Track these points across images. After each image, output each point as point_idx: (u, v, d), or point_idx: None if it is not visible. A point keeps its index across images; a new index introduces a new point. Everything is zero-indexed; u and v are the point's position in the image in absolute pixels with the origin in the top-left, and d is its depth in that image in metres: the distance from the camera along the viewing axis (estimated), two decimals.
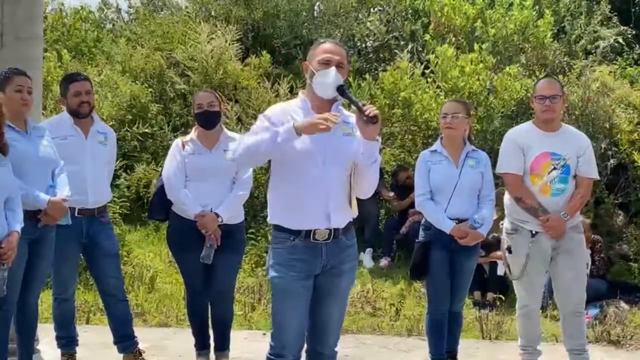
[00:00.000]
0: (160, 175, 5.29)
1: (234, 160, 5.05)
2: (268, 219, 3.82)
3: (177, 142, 5.18)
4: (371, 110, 3.51)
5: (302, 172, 3.64)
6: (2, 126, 4.30)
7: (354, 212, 3.77)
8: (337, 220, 3.70)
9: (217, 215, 4.95)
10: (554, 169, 4.99)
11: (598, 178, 5.31)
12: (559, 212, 4.96)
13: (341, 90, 3.63)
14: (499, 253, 7.84)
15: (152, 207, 5.37)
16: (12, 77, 4.65)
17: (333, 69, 3.61)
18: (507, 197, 5.22)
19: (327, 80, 3.61)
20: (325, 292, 3.76)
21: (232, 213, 5.07)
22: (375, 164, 3.69)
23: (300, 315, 3.70)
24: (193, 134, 5.18)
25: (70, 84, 5.13)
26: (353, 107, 3.56)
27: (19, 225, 4.29)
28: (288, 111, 3.71)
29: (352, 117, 3.75)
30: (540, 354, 5.27)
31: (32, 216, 4.53)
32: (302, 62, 3.81)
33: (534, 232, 5.02)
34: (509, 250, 5.18)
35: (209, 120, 5.10)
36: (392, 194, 9.12)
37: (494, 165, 5.30)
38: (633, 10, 11.99)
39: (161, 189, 5.14)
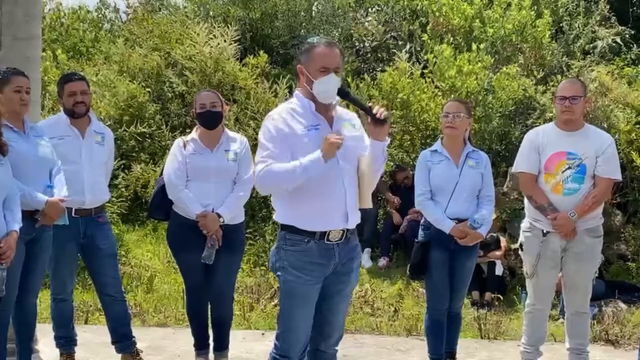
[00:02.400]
0: (161, 174, 5.27)
1: (235, 161, 5.08)
2: (278, 219, 3.75)
3: (178, 141, 5.17)
4: (381, 111, 3.54)
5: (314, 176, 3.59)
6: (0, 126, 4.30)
7: (368, 205, 3.79)
8: (353, 220, 3.72)
9: (219, 216, 4.95)
10: (569, 168, 4.96)
11: (619, 179, 5.18)
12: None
13: (343, 93, 3.65)
14: (497, 253, 7.87)
15: (153, 206, 5.34)
16: (11, 77, 4.65)
17: (332, 75, 3.60)
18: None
19: (329, 88, 3.61)
20: (333, 291, 3.76)
21: (234, 213, 5.06)
22: (382, 164, 3.76)
23: (309, 318, 3.70)
24: (194, 133, 5.17)
25: (65, 84, 5.13)
26: (357, 108, 3.57)
27: (17, 225, 4.28)
28: (288, 119, 3.65)
29: (349, 114, 3.82)
30: (540, 355, 5.27)
31: (29, 216, 4.52)
32: (297, 65, 3.75)
33: (545, 232, 5.02)
34: (521, 247, 5.22)
35: (211, 120, 5.09)
36: (396, 199, 9.04)
37: (493, 165, 5.31)
38: (631, 10, 12.01)
39: (162, 189, 5.13)
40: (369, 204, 3.78)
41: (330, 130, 3.65)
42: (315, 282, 3.67)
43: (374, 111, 3.54)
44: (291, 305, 3.69)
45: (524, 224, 5.22)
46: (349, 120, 3.78)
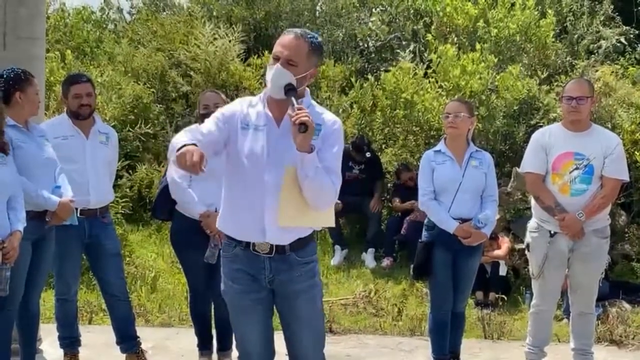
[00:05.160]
0: (165, 174, 5.29)
1: None
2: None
3: None
4: (297, 116, 3.14)
5: (239, 179, 3.36)
6: (1, 125, 4.30)
7: (285, 224, 3.33)
8: (274, 235, 3.35)
9: None
10: (576, 168, 4.95)
11: (626, 180, 5.17)
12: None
13: (286, 89, 3.28)
14: (499, 253, 7.84)
15: (156, 206, 5.36)
16: (32, 80, 4.68)
17: (276, 66, 3.29)
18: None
19: (271, 79, 3.32)
20: (288, 317, 3.52)
21: None
22: (308, 180, 3.24)
23: (256, 328, 3.49)
24: None
25: (71, 86, 5.14)
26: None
27: (21, 225, 4.30)
28: (243, 109, 3.43)
29: (322, 118, 3.41)
30: (545, 355, 5.28)
31: (38, 216, 4.53)
32: None
33: (552, 232, 5.01)
34: (528, 248, 5.21)
35: None
36: (410, 203, 8.94)
37: (495, 165, 5.31)
38: (636, 10, 11.96)
39: (165, 189, 5.14)
40: (292, 222, 3.32)
41: (276, 129, 3.36)
42: (246, 290, 3.44)
43: (293, 114, 3.18)
44: (232, 315, 3.55)
45: (531, 224, 5.21)
46: (315, 125, 3.26)
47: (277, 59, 3.31)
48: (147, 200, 9.20)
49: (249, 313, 3.48)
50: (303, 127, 3.13)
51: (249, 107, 3.45)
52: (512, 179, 8.57)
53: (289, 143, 3.25)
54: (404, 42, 11.56)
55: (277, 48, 3.33)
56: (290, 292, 3.46)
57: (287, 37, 3.34)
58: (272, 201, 3.30)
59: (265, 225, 3.33)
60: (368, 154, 8.98)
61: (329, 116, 3.47)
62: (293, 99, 3.25)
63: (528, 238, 5.24)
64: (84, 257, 5.35)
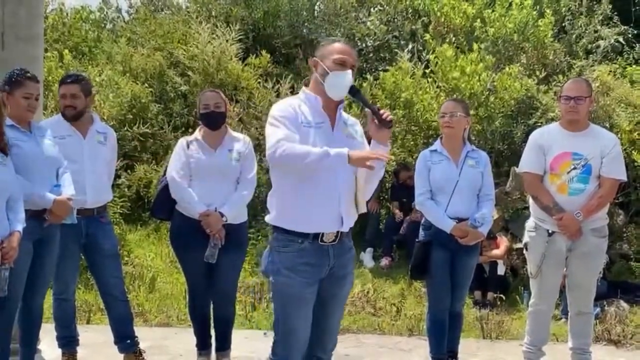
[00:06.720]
0: (164, 174, 5.28)
1: (238, 161, 5.09)
2: (270, 221, 3.72)
3: (182, 141, 5.18)
4: (387, 114, 3.57)
5: (309, 175, 3.56)
6: (1, 126, 4.29)
7: (362, 210, 3.77)
8: (348, 222, 3.69)
9: (222, 215, 4.95)
10: (574, 168, 4.95)
11: (624, 179, 5.16)
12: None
13: (354, 91, 3.67)
14: (497, 252, 7.86)
15: (156, 205, 5.35)
16: (24, 82, 4.60)
17: (349, 71, 3.61)
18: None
19: (342, 82, 3.61)
20: (329, 296, 3.73)
21: (237, 213, 5.07)
22: (382, 169, 3.76)
23: (307, 322, 3.66)
24: (198, 133, 5.18)
25: (60, 86, 5.15)
26: (366, 109, 3.63)
27: (20, 225, 4.28)
28: (296, 109, 3.64)
29: (351, 119, 3.82)
30: (543, 355, 5.27)
31: (37, 216, 4.52)
32: (310, 59, 3.78)
33: (550, 232, 5.01)
34: (526, 247, 5.21)
35: (214, 121, 5.10)
36: (406, 213, 8.97)
37: (494, 165, 5.31)
38: (633, 10, 11.98)
39: (165, 188, 5.14)
40: (361, 209, 3.78)
41: (331, 131, 3.65)
42: (310, 283, 3.62)
43: (381, 113, 3.57)
44: (287, 308, 3.65)
45: (529, 224, 5.21)
46: (351, 125, 3.78)
47: (342, 64, 3.62)
48: (146, 200, 9.21)
49: (306, 305, 3.65)
50: (390, 122, 3.58)
51: (300, 105, 3.68)
52: (510, 179, 8.58)
53: (346, 140, 3.65)
54: (402, 42, 11.56)
55: (340, 55, 3.63)
56: (341, 274, 3.75)
57: (344, 45, 3.73)
58: (345, 193, 3.64)
59: (343, 215, 3.64)
60: None
61: (352, 117, 3.93)
62: (366, 99, 3.72)
63: (526, 237, 5.24)
64: (82, 256, 5.34)
